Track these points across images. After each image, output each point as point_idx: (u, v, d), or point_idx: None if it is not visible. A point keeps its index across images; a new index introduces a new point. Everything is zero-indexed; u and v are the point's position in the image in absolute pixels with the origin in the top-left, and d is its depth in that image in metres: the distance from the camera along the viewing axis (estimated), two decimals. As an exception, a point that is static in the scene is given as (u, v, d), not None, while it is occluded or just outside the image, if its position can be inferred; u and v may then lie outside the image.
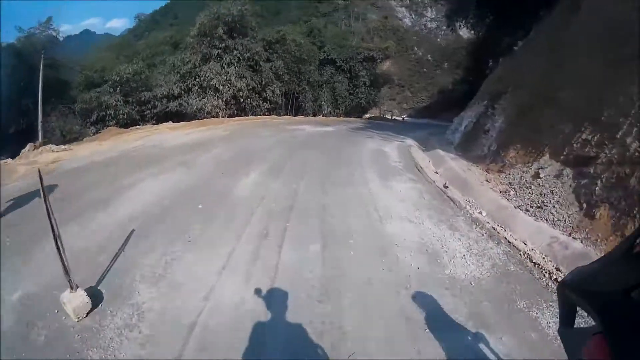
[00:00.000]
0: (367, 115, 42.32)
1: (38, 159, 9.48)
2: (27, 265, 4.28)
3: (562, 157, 6.95)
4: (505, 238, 5.95)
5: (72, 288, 3.47)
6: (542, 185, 6.93)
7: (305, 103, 33.93)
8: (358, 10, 73.82)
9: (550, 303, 4.14)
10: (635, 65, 6.13)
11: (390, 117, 46.72)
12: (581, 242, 5.30)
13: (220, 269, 4.39)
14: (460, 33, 48.79)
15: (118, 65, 26.48)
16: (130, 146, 11.49)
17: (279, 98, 29.71)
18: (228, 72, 25.31)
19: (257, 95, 27.57)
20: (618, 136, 5.81)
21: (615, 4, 7.95)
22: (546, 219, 6.17)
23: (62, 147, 11.31)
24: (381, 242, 5.42)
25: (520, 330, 3.69)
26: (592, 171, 6.03)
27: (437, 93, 62.33)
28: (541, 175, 7.17)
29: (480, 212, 7.14)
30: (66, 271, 3.42)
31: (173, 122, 20.05)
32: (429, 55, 71.10)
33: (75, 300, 3.45)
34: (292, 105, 33.39)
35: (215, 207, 6.39)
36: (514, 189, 7.58)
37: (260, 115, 27.15)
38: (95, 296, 3.74)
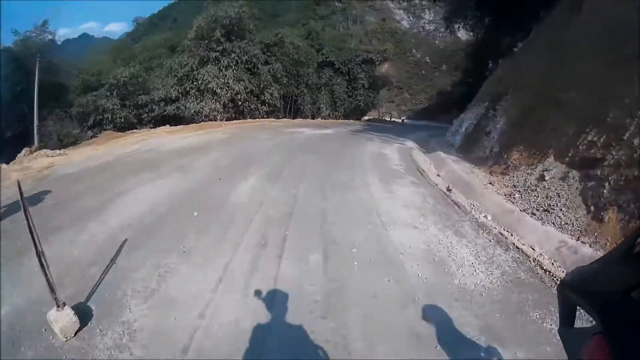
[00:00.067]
0: (365, 118, 42.24)
1: (32, 165, 9.29)
2: (14, 277, 4.03)
3: (567, 159, 6.81)
4: (514, 244, 5.76)
5: (58, 306, 3.25)
6: (548, 188, 6.77)
7: (304, 106, 33.71)
8: (356, 13, 73.91)
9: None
10: (636, 65, 6.04)
11: (389, 119, 46.66)
12: (590, 246, 5.14)
13: (217, 282, 4.14)
14: (459, 35, 48.98)
15: (115, 68, 26.21)
16: (126, 151, 11.28)
17: (277, 101, 29.48)
18: (226, 75, 25.08)
19: (255, 98, 27.34)
20: (625, 137, 5.68)
21: (615, 4, 7.92)
22: (553, 223, 6.00)
23: (57, 151, 11.15)
24: (385, 251, 5.19)
25: (535, 343, 3.46)
26: (599, 173, 5.89)
27: (435, 95, 62.42)
28: (546, 178, 7.01)
29: (485, 216, 6.95)
30: (52, 289, 3.19)
31: (170, 125, 19.85)
32: (427, 58, 71.19)
33: (62, 320, 3.22)
34: (291, 108, 33.16)
35: (211, 215, 6.15)
36: (519, 191, 7.43)
37: (258, 118, 26.97)
38: (85, 313, 3.51)
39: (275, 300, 3.88)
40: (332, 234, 5.63)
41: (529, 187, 7.30)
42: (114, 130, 19.95)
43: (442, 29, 53.83)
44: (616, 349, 0.60)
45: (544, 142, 7.74)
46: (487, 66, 29.94)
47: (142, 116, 25.15)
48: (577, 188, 6.24)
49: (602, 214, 5.41)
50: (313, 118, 33.71)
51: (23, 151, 12.14)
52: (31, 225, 3.09)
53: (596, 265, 0.74)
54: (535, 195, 6.91)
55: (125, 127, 22.57)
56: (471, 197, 7.96)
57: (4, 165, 9.49)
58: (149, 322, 3.48)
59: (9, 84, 24.53)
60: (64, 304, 3.29)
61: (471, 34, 33.34)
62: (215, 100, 24.91)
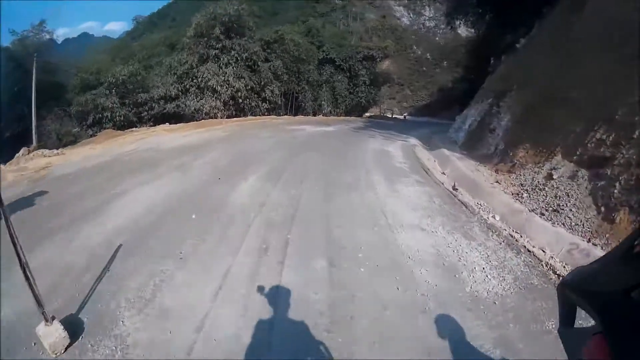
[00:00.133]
0: (367, 114, 42.15)
1: (29, 165, 9.16)
2: (4, 286, 3.80)
3: (575, 158, 6.68)
4: (525, 247, 5.54)
5: (47, 320, 3.04)
6: (557, 187, 6.61)
7: (305, 103, 33.57)
8: (356, 10, 73.89)
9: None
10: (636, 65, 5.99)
11: (390, 116, 46.62)
12: (602, 248, 4.97)
13: (215, 292, 3.89)
14: (459, 31, 48.76)
15: (114, 67, 26.05)
16: (124, 150, 11.10)
17: (278, 98, 29.36)
18: (226, 73, 24.95)
19: (255, 96, 27.22)
20: (635, 136, 5.56)
21: (618, 4, 7.87)
22: (563, 224, 5.82)
23: (55, 151, 11.03)
24: (393, 256, 4.94)
25: (551, 355, 3.22)
26: (609, 173, 5.76)
27: (436, 91, 62.45)
28: (554, 177, 6.86)
29: (493, 217, 6.74)
30: (38, 303, 2.98)
31: (170, 123, 19.74)
32: (428, 54, 71.17)
33: (51, 335, 3.03)
34: (292, 105, 33.00)
35: (210, 217, 5.92)
36: (527, 190, 7.26)
37: (259, 115, 26.84)
38: (76, 326, 3.31)
39: (277, 311, 3.64)
40: (336, 238, 5.40)
41: (536, 186, 7.14)
42: (114, 129, 19.86)
43: (443, 26, 53.91)
44: (616, 349, 0.60)
45: (550, 139, 7.60)
46: (489, 63, 29.71)
47: (142, 114, 25.03)
48: (586, 188, 6.11)
49: (613, 214, 5.28)
50: (314, 115, 33.57)
51: (21, 151, 12.07)
52: (14, 235, 2.85)
53: (596, 265, 0.74)
54: (543, 195, 6.74)
55: (124, 125, 22.47)
56: (478, 196, 7.76)
57: (1, 166, 9.30)
58: (143, 337, 3.26)
59: (7, 84, 24.42)
60: (53, 318, 3.09)
61: (472, 30, 33.32)
62: (216, 97, 24.79)
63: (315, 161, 10.35)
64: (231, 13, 25.06)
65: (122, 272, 4.23)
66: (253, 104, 26.91)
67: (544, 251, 5.35)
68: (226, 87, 24.83)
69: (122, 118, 23.61)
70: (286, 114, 30.94)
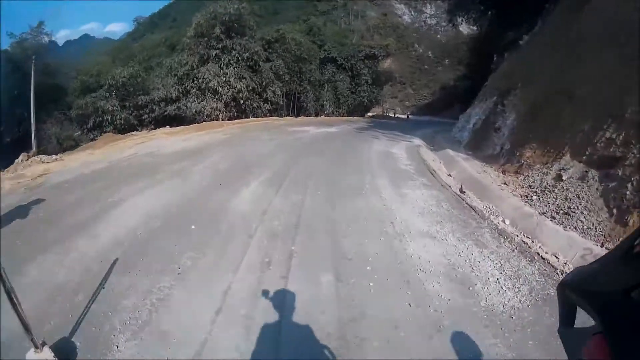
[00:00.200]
0: (369, 114, 42.11)
1: (26, 172, 8.93)
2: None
3: (584, 158, 6.59)
4: (538, 254, 5.33)
5: (37, 347, 2.83)
6: (567, 189, 6.48)
7: (307, 103, 33.40)
8: (357, 8, 73.78)
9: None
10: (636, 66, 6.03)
11: (393, 115, 46.56)
12: (615, 252, 4.77)
13: (215, 313, 3.64)
14: (461, 29, 48.72)
15: (114, 69, 25.85)
16: (123, 155, 10.87)
17: (280, 98, 29.17)
18: (227, 73, 24.76)
19: (257, 96, 27.03)
20: None
21: (621, 3, 7.84)
22: (575, 227, 5.68)
23: (53, 157, 10.84)
24: (403, 268, 4.69)
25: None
26: (620, 173, 5.67)
27: (439, 90, 62.55)
28: (564, 178, 6.73)
29: (503, 221, 6.53)
30: (26, 329, 2.77)
31: (171, 126, 19.58)
32: (429, 52, 71.20)
33: (41, 363, 2.81)
34: (294, 106, 32.84)
35: (210, 227, 5.68)
36: (536, 192, 7.12)
37: (261, 116, 26.70)
38: (68, 351, 3.10)
39: (282, 334, 3.39)
40: (343, 249, 5.14)
41: (546, 187, 7.00)
42: (114, 132, 19.73)
43: (444, 23, 54.03)
44: (616, 349, 0.59)
45: (558, 139, 7.49)
46: (491, 60, 29.58)
47: (143, 117, 24.83)
48: (597, 189, 5.97)
49: (626, 217, 5.18)
50: (317, 115, 33.45)
51: (20, 157, 11.88)
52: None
53: (596, 265, 0.74)
54: (553, 197, 6.60)
55: (125, 128, 22.30)
56: (486, 199, 7.59)
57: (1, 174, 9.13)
58: (138, 364, 3.03)
59: (6, 87, 24.29)
60: (43, 345, 2.89)
61: (474, 27, 33.35)
62: (217, 99, 24.60)
63: (318, 165, 10.14)
64: (231, 12, 24.87)
65: (118, 290, 3.99)
66: (255, 105, 26.72)
67: (557, 257, 5.17)
68: (227, 88, 24.64)
69: (122, 121, 23.45)
70: (288, 115, 30.81)
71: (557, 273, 4.75)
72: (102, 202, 6.62)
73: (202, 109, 24.04)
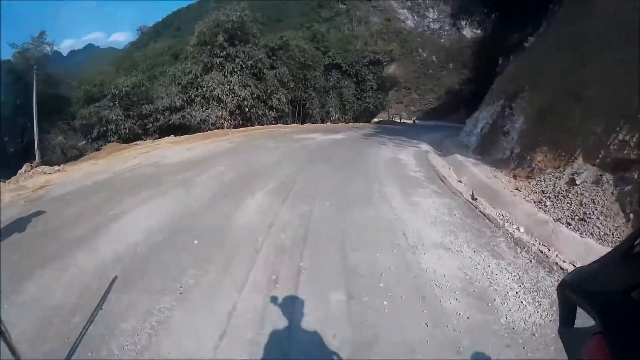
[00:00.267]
0: (375, 120, 42.02)
1: (27, 184, 8.82)
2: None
3: (597, 161, 6.48)
4: (557, 264, 5.07)
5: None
6: (581, 194, 6.31)
7: (313, 110, 33.25)
8: (360, 14, 73.98)
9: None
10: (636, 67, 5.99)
11: (399, 121, 46.44)
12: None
13: (219, 337, 3.38)
14: (464, 32, 48.74)
15: (117, 78, 25.80)
16: (126, 165, 10.72)
17: (285, 106, 29.03)
18: (231, 81, 24.62)
19: (262, 104, 26.87)
20: None
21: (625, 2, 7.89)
22: (592, 234, 5.51)
23: (56, 168, 10.74)
24: (418, 283, 4.42)
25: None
26: (635, 176, 5.58)
27: (444, 94, 62.63)
28: (577, 182, 6.57)
29: (518, 229, 6.28)
30: (14, 354, 2.55)
31: (175, 135, 19.50)
32: (433, 56, 71.26)
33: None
34: (299, 113, 32.70)
35: (214, 242, 5.43)
36: (549, 198, 6.91)
37: (266, 124, 26.60)
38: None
39: (290, 360, 3.15)
40: (353, 263, 4.87)
41: (559, 192, 6.83)
42: (119, 142, 19.65)
43: (447, 27, 54.16)
44: (616, 349, 0.59)
45: (569, 142, 7.35)
46: (496, 63, 29.45)
47: (147, 126, 24.71)
48: (612, 193, 5.85)
49: None
50: (322, 122, 33.34)
51: (24, 167, 11.83)
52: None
53: (596, 265, 0.73)
54: (568, 202, 6.42)
55: (130, 138, 22.23)
56: (499, 206, 7.33)
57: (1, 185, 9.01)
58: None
59: (9, 97, 24.35)
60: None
61: (477, 31, 33.35)
62: (222, 107, 24.45)
63: (325, 173, 9.92)
64: (234, 20, 24.73)
65: (116, 311, 3.77)
66: (260, 112, 26.56)
67: (575, 266, 4.88)
68: (232, 96, 24.49)
69: (127, 131, 23.32)
70: (294, 122, 30.70)
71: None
72: (103, 215, 6.45)
73: (207, 118, 23.87)
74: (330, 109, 35.14)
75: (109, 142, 20.75)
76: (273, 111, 27.80)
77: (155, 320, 3.62)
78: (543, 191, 7.24)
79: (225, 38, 24.61)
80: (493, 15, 25.01)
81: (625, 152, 5.88)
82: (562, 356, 0.77)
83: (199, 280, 4.37)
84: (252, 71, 26.14)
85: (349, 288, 4.25)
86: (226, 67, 24.79)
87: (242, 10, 25.54)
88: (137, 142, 18.06)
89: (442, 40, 72.76)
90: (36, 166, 11.91)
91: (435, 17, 74.88)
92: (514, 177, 8.60)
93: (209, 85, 24.14)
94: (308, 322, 3.63)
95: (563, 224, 5.95)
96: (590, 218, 5.72)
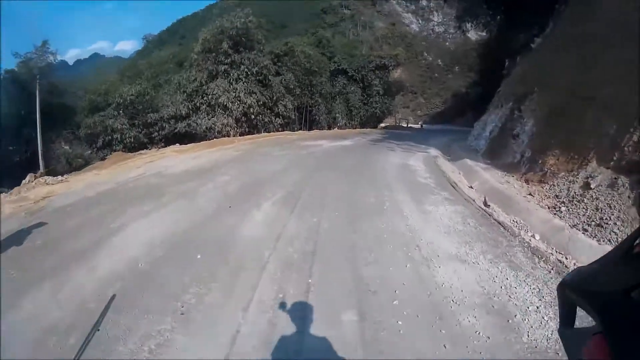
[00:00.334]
0: (382, 125, 41.88)
1: (29, 195, 8.69)
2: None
3: (612, 164, 6.39)
4: (577, 274, 4.76)
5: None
6: (597, 198, 6.18)
7: (319, 116, 33.08)
8: (365, 19, 74.08)
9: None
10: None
11: (406, 125, 46.30)
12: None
13: (222, 365, 3.15)
14: (469, 35, 48.60)
15: (121, 87, 25.76)
16: (129, 175, 10.54)
17: (291, 112, 28.83)
18: (236, 89, 24.45)
19: (268, 111, 26.71)
20: None
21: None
22: (609, 240, 5.36)
23: (58, 178, 10.65)
24: (434, 300, 4.14)
25: None
26: None
27: (450, 98, 62.54)
28: (592, 186, 6.44)
29: (534, 237, 6.05)
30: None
31: (181, 144, 19.41)
32: (439, 60, 71.18)
33: None
34: (306, 119, 32.51)
35: (218, 256, 5.18)
36: (564, 203, 6.74)
37: (273, 131, 26.47)
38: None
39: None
40: (365, 279, 4.59)
41: (574, 197, 6.67)
42: (124, 151, 19.61)
43: (452, 30, 54.11)
44: (616, 349, 0.59)
45: (582, 144, 7.23)
46: (503, 65, 29.30)
47: (153, 135, 24.64)
48: (629, 197, 5.78)
49: None
50: (329, 128, 33.20)
51: (27, 177, 11.79)
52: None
53: (596, 265, 0.73)
54: (583, 208, 6.27)
55: (135, 147, 22.22)
56: (513, 212, 7.11)
57: (2, 195, 8.87)
58: None
59: (13, 107, 24.37)
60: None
61: (482, 33, 33.25)
62: (227, 115, 24.27)
63: (334, 181, 9.70)
64: (238, 26, 24.60)
65: (113, 333, 3.54)
66: (266, 119, 26.40)
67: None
68: (237, 104, 24.31)
69: (132, 139, 23.29)
70: (300, 129, 30.55)
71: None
72: (104, 228, 6.25)
73: (213, 126, 23.69)
74: (337, 115, 34.97)
75: (114, 151, 20.79)
76: (279, 118, 27.61)
77: (154, 343, 3.38)
78: (557, 196, 7.07)
79: (229, 45, 24.47)
80: (498, 17, 24.84)
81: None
82: None
83: (201, 299, 4.12)
84: (258, 78, 25.98)
85: (361, 307, 3.97)
86: (231, 74, 24.63)
87: (247, 17, 25.41)
88: (142, 151, 17.97)
89: (447, 43, 72.65)
90: (40, 176, 11.83)
91: (440, 20, 74.78)
92: (526, 181, 8.43)
93: (215, 92, 23.98)
94: (318, 346, 3.36)
95: (579, 230, 5.78)
96: (607, 224, 5.59)
